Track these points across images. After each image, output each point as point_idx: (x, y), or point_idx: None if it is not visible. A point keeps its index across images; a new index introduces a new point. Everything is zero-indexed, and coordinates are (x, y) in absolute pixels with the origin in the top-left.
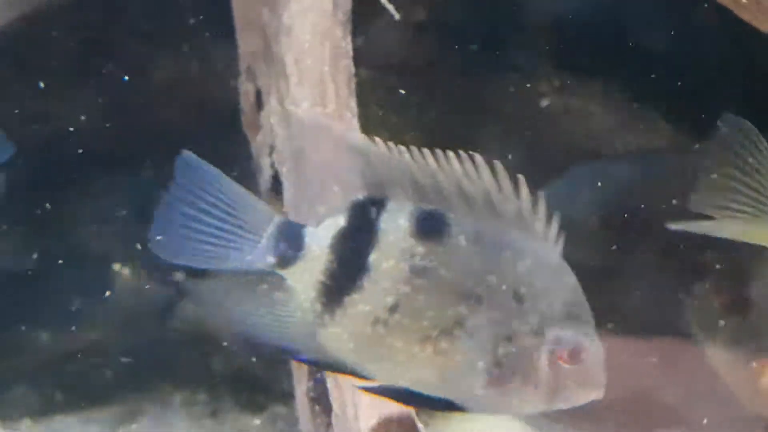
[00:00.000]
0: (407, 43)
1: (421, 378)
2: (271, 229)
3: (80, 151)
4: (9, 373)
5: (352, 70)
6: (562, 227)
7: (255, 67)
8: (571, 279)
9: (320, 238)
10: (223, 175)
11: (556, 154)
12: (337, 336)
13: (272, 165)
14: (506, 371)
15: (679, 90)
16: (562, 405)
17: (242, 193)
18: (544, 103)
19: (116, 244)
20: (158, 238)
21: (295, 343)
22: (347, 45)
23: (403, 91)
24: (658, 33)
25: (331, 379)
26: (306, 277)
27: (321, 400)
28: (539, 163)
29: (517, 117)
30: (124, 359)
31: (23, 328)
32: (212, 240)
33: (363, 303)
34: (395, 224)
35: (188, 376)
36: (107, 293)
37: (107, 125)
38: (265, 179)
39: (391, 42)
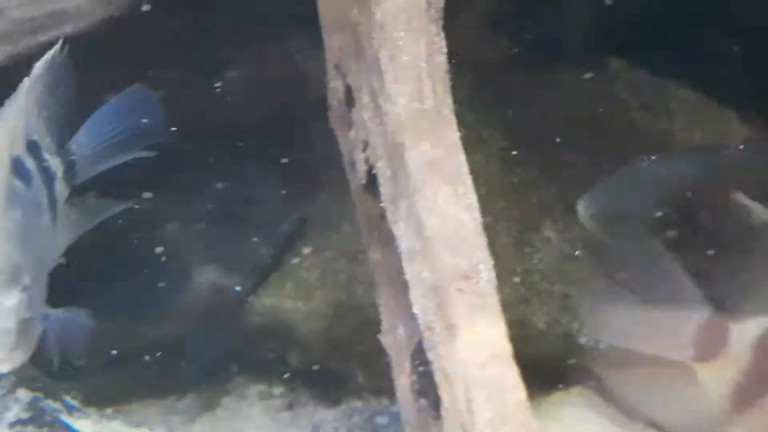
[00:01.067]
0: (483, 39)
1: None
2: (698, 321)
3: (166, 150)
4: (94, 362)
5: (447, 66)
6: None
7: (344, 65)
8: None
9: (746, 337)
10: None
11: (632, 152)
12: None
13: (367, 160)
14: None
15: (757, 87)
16: None
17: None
18: (619, 100)
19: (198, 240)
20: None
21: None
22: (441, 41)
23: (479, 88)
24: (733, 29)
25: (440, 372)
26: (722, 373)
27: (427, 393)
28: (614, 161)
29: (593, 114)
30: (201, 352)
31: (108, 319)
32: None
33: None
34: None
35: (264, 370)
36: (187, 287)
37: (192, 124)
38: (360, 174)
39: (467, 38)
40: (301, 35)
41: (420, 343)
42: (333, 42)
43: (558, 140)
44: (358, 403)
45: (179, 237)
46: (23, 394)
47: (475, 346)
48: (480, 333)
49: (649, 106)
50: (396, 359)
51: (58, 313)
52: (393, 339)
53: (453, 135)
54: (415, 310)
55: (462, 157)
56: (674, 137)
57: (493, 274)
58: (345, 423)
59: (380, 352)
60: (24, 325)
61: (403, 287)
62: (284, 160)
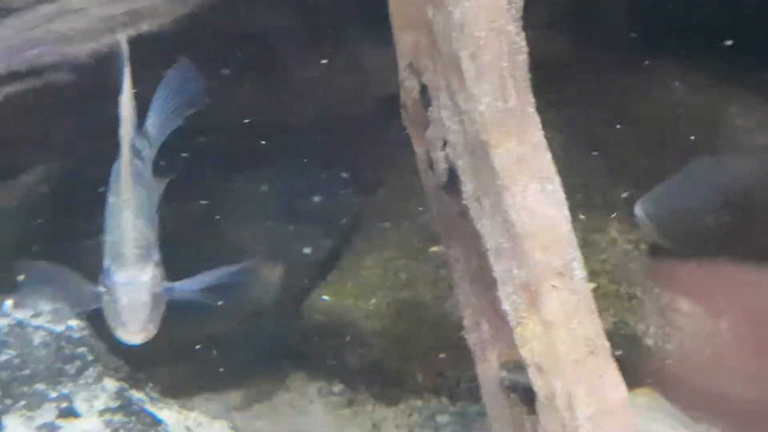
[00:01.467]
0: (543, 39)
1: None
2: None
3: (233, 148)
4: (158, 355)
5: (528, 65)
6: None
7: (418, 64)
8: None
9: None
10: None
11: (692, 152)
12: None
13: (447, 158)
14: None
15: None
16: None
17: None
18: (680, 101)
19: (260, 238)
20: None
21: None
22: (522, 41)
23: (540, 89)
24: None
25: (534, 368)
26: None
27: (518, 388)
28: (675, 162)
29: (654, 115)
30: (260, 348)
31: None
32: None
33: None
34: None
35: (323, 367)
36: (247, 283)
37: (264, 121)
38: (439, 173)
39: (528, 39)
40: (367, 33)
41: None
42: (405, 41)
43: (620, 141)
44: (418, 402)
45: (241, 232)
46: (110, 384)
47: (572, 343)
48: (577, 329)
49: (710, 106)
50: (481, 355)
51: (179, 285)
52: (477, 335)
53: (538, 133)
54: (505, 306)
55: (548, 155)
56: (734, 138)
57: (585, 272)
58: (405, 421)
59: (439, 351)
60: (155, 299)
61: (486, 284)
62: (346, 157)
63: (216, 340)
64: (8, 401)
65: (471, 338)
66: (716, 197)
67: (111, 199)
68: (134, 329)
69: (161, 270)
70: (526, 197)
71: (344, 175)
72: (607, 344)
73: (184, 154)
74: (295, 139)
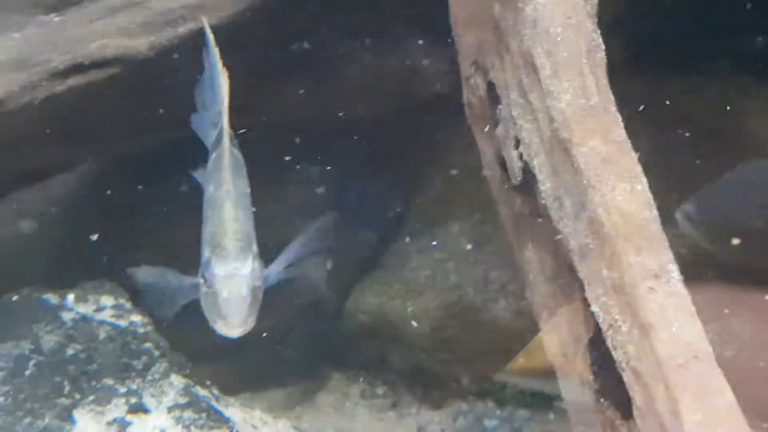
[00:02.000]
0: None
1: None
2: None
3: (280, 143)
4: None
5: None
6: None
7: (484, 61)
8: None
9: None
10: None
11: (741, 156)
12: None
13: (521, 157)
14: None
15: None
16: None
17: None
18: (733, 105)
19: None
20: None
21: None
22: (598, 38)
23: None
24: None
25: (630, 372)
26: None
27: (610, 392)
28: (725, 165)
29: (704, 117)
30: (303, 350)
31: None
32: None
33: None
34: None
35: (366, 368)
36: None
37: (314, 117)
38: (514, 172)
39: None
40: (419, 32)
41: (593, 341)
42: (468, 39)
43: (672, 144)
44: (463, 405)
45: (285, 227)
46: (177, 380)
47: (674, 347)
48: (678, 333)
49: (758, 110)
50: (562, 358)
51: (272, 270)
52: (557, 338)
53: (621, 132)
54: (594, 308)
55: (634, 155)
56: None
57: (680, 275)
58: (451, 425)
59: (487, 354)
60: (254, 292)
61: (563, 286)
62: (393, 157)
63: (257, 340)
64: (77, 395)
65: (550, 340)
66: (760, 200)
67: (210, 189)
68: (235, 323)
69: (260, 262)
70: (615, 197)
71: (391, 174)
72: (710, 349)
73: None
74: (344, 136)
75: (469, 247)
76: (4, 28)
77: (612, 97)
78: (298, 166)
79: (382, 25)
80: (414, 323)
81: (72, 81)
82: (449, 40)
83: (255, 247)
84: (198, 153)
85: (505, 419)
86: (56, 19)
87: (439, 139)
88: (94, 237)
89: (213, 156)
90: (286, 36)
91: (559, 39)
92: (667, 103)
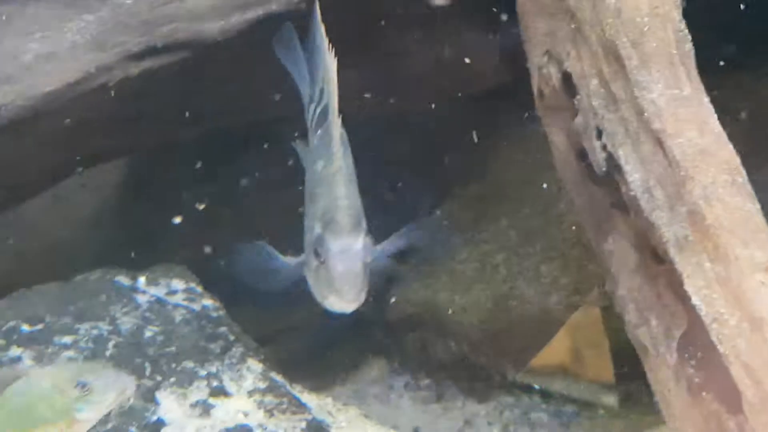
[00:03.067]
0: None
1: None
2: None
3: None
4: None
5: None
6: None
7: (557, 51)
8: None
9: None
10: None
11: None
12: None
13: (604, 148)
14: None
15: None
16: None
17: None
18: None
19: None
20: None
21: None
22: (686, 28)
23: None
24: None
25: (739, 366)
26: None
27: (710, 386)
28: None
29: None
30: (345, 340)
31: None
32: None
33: None
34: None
35: (409, 361)
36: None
37: (374, 104)
38: (598, 163)
39: None
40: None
41: (687, 334)
42: (539, 28)
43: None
44: (509, 399)
45: None
46: (254, 364)
47: None
48: None
49: None
50: (652, 352)
51: (379, 249)
52: (646, 332)
53: (717, 123)
54: (695, 301)
55: (731, 146)
56: None
57: None
58: (497, 418)
59: (536, 348)
60: (366, 268)
61: (650, 278)
62: (446, 147)
63: (298, 330)
64: (158, 377)
65: (639, 334)
66: None
67: (318, 166)
68: (350, 298)
69: (371, 239)
70: (717, 189)
71: (440, 167)
72: None
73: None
74: (402, 125)
75: (518, 239)
76: (78, 10)
77: (703, 88)
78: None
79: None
80: (464, 315)
81: (145, 64)
82: (504, 32)
83: (365, 224)
84: (264, 139)
85: (552, 414)
86: (129, 1)
87: (489, 132)
88: (177, 220)
89: (319, 133)
90: (352, 22)
91: (646, 29)
92: (737, 102)
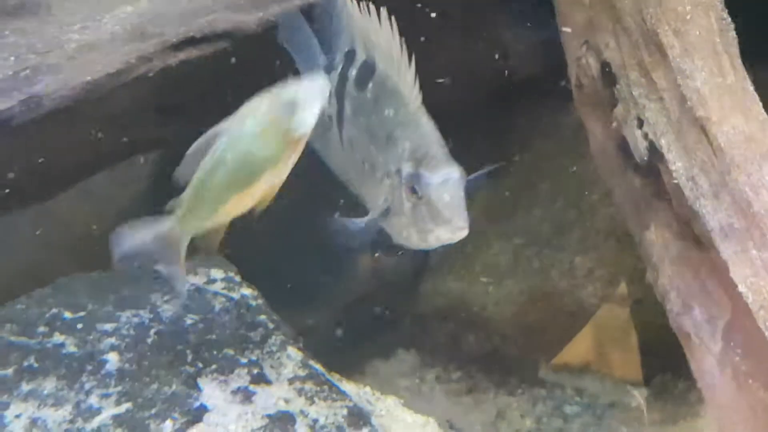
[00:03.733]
0: None
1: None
2: None
3: None
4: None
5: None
6: None
7: (596, 41)
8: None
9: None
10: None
11: None
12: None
13: (646, 137)
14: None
15: None
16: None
17: None
18: None
19: None
20: None
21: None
22: (727, 17)
23: None
24: None
25: None
26: None
27: (757, 374)
28: None
29: None
30: (375, 333)
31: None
32: None
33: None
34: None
35: (440, 354)
36: (361, 267)
37: None
38: (640, 152)
39: None
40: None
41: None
42: (576, 19)
43: None
44: (542, 392)
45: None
46: (294, 352)
47: None
48: None
49: None
50: (695, 340)
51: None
52: (689, 320)
53: (761, 110)
54: (741, 289)
55: None
56: None
57: None
58: (530, 410)
59: (569, 340)
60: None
61: (692, 266)
62: (478, 139)
63: (326, 324)
64: (200, 364)
65: (681, 322)
66: None
67: (390, 111)
68: (461, 224)
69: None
70: (764, 176)
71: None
72: None
73: None
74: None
75: (551, 231)
76: (118, 1)
77: (747, 76)
78: None
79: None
80: (496, 308)
81: (184, 54)
82: (537, 23)
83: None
84: None
85: (586, 406)
86: None
87: (523, 123)
88: None
89: (371, 86)
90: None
91: (688, 17)
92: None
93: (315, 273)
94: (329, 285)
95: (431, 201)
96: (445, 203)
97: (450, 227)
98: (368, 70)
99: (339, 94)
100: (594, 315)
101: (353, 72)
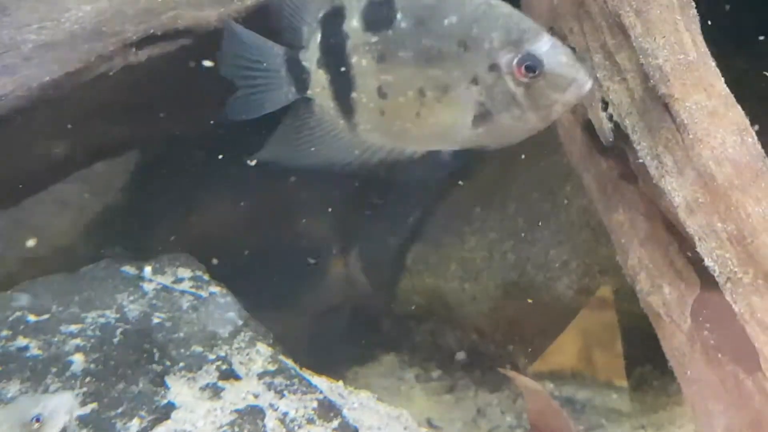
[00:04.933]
0: None
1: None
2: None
3: None
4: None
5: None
6: None
7: (560, 27)
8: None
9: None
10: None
11: None
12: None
13: (611, 119)
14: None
15: None
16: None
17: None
18: None
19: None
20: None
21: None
22: None
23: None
24: None
25: (755, 322)
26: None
27: (726, 347)
28: None
29: None
30: (356, 333)
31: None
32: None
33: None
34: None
35: (419, 352)
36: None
37: None
38: (605, 134)
39: None
40: None
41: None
42: (541, 6)
43: None
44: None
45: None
46: (263, 348)
47: None
48: None
49: None
50: (665, 318)
51: None
52: (659, 299)
53: (723, 85)
54: (708, 263)
55: (739, 108)
56: None
57: None
58: (510, 407)
59: (549, 334)
60: None
61: (660, 245)
62: None
63: (301, 327)
64: (167, 362)
65: (651, 301)
66: None
67: (460, 7)
68: (586, 76)
69: None
70: (727, 149)
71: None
72: None
73: None
74: None
75: (526, 226)
76: (77, 0)
77: (708, 52)
78: None
79: None
80: (473, 304)
81: (145, 52)
82: None
83: None
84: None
85: (566, 400)
86: None
87: None
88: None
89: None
90: None
91: None
92: None
93: (289, 281)
94: (304, 292)
95: (552, 69)
96: (564, 64)
97: (577, 84)
98: (383, 6)
99: (334, 63)
100: (575, 318)
101: (353, 24)
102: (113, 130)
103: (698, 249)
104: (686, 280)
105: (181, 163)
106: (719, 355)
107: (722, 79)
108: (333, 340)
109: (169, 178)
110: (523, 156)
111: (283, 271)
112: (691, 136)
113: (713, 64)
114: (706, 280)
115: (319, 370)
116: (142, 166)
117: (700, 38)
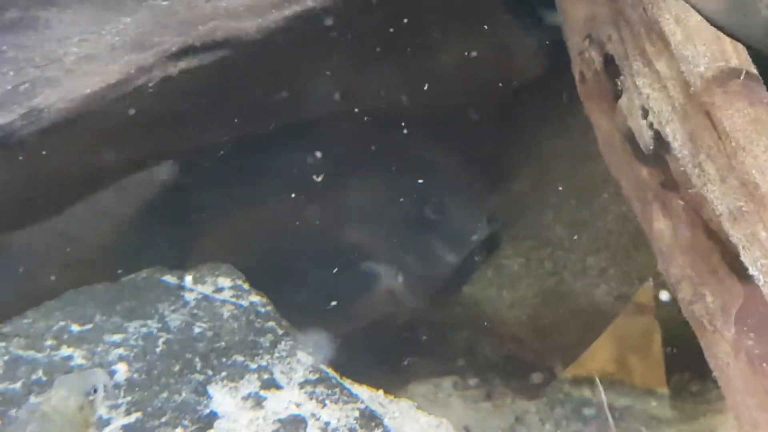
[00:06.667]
0: None
1: None
2: None
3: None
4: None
5: None
6: None
7: (598, 34)
8: None
9: None
10: None
11: None
12: None
13: (651, 126)
14: None
15: None
16: None
17: None
18: None
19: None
20: None
21: None
22: None
23: None
24: None
25: None
26: None
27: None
28: None
29: None
30: (393, 342)
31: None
32: None
33: None
34: None
35: (457, 360)
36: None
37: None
38: (645, 141)
39: None
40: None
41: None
42: (578, 14)
43: None
44: (559, 395)
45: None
46: (304, 357)
47: None
48: None
49: None
50: (708, 327)
51: None
52: (702, 308)
53: (765, 93)
54: (752, 271)
55: None
56: None
57: None
58: (549, 414)
59: (587, 341)
60: None
61: (703, 254)
62: (483, 147)
63: (342, 336)
64: (209, 371)
65: (694, 310)
66: None
67: None
68: None
69: None
70: None
71: (484, 162)
72: None
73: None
74: (432, 124)
75: (563, 233)
76: (116, 12)
77: (750, 59)
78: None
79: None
80: (510, 312)
81: (184, 63)
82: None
83: None
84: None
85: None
86: (164, 3)
87: (531, 125)
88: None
89: None
90: (381, 19)
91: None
92: None
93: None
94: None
95: None
96: None
97: None
98: None
99: None
100: (613, 324)
101: None
102: (152, 141)
103: (742, 258)
104: (729, 288)
105: (221, 172)
106: (764, 365)
107: (764, 87)
108: (376, 352)
109: (208, 188)
110: (560, 163)
111: (329, 281)
112: (733, 144)
113: (755, 71)
114: (750, 289)
115: (359, 374)
116: (180, 176)
117: (741, 45)
